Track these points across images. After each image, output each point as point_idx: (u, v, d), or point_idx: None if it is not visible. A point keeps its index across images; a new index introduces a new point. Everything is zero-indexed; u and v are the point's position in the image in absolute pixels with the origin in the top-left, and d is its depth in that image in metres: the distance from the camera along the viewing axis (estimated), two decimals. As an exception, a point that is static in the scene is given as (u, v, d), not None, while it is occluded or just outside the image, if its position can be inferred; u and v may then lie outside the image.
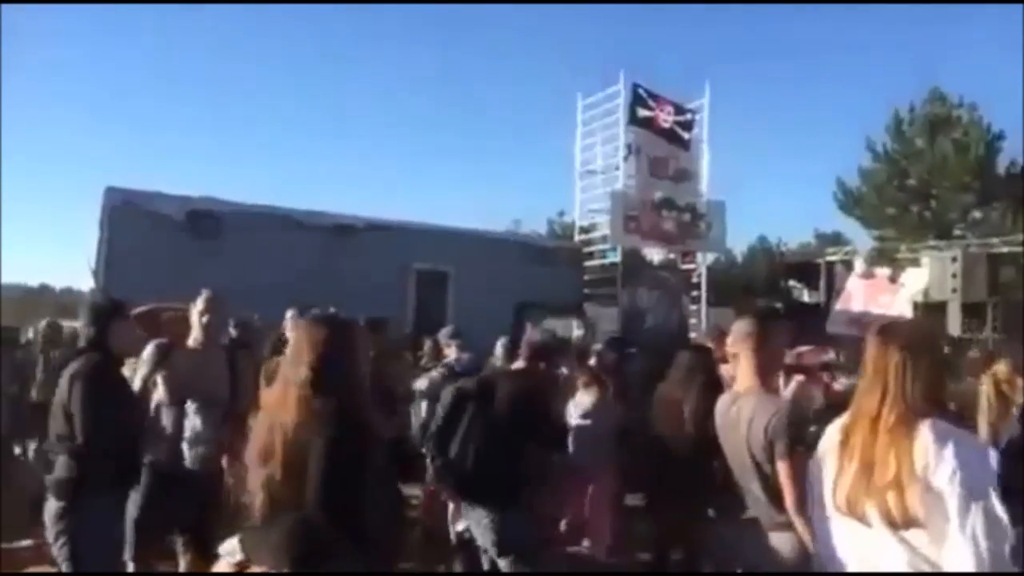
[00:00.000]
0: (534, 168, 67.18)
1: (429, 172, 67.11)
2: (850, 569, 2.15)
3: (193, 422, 4.19)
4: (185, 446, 4.19)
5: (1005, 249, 17.81)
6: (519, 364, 4.14)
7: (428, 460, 4.30)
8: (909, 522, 1.96)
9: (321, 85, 61.21)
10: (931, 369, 2.14)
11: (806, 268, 18.79)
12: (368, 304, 7.17)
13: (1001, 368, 4.46)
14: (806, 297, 17.80)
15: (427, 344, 7.30)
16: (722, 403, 2.93)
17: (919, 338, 2.23)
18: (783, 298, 16.87)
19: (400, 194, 58.06)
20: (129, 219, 10.74)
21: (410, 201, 60.80)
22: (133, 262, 9.82)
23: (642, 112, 15.14)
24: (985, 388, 4.40)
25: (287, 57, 58.82)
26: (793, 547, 2.66)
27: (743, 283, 26.55)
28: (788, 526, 2.66)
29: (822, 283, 17.45)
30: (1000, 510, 1.92)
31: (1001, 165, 29.98)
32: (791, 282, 18.23)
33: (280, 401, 2.36)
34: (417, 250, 13.01)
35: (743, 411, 2.76)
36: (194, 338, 4.29)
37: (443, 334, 5.71)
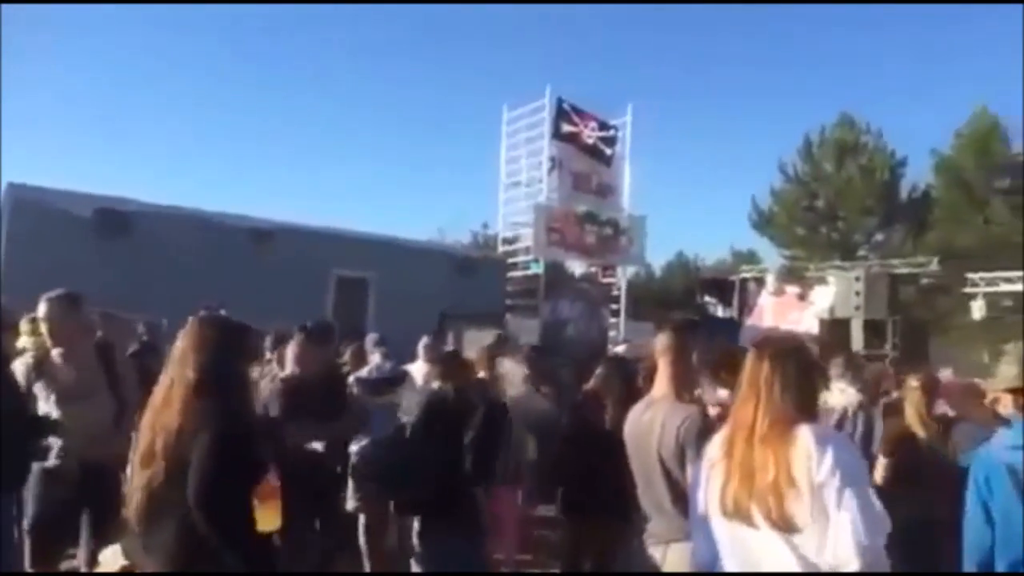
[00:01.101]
0: (461, 178, 67.26)
1: (353, 179, 66.27)
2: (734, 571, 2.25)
3: (73, 424, 4.00)
4: (63, 447, 4.00)
5: (905, 270, 18.81)
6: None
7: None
8: (789, 524, 2.06)
9: (244, 88, 59.72)
10: (800, 378, 2.25)
11: (721, 284, 19.40)
12: (285, 310, 7.02)
13: (913, 381, 4.67)
14: (720, 312, 18.35)
15: (348, 351, 7.16)
16: (635, 410, 2.97)
17: (787, 350, 2.33)
18: (699, 313, 17.32)
19: (323, 200, 57.14)
20: (31, 216, 10.23)
21: (333, 207, 59.74)
22: (35, 261, 9.33)
23: (566, 127, 15.36)
24: (911, 400, 4.54)
25: (207, 57, 57.22)
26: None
27: (661, 297, 27.18)
28: (690, 535, 2.65)
29: (736, 299, 18.02)
30: (877, 503, 2.03)
31: (903, 190, 31.73)
32: (707, 297, 18.78)
33: (165, 402, 2.31)
34: (337, 256, 12.82)
35: (656, 417, 2.80)
36: (50, 346, 4.10)
37: (369, 340, 5.61)
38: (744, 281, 18.58)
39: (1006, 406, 3.39)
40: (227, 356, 2.37)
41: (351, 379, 5.12)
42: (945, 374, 7.91)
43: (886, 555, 2.01)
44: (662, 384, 2.87)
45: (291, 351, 4.63)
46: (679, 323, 3.00)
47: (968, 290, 18.20)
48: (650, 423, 2.80)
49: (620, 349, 8.31)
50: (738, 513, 2.19)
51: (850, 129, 31.82)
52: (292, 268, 11.68)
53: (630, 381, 4.33)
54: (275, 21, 56.51)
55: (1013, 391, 3.32)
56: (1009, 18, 47.83)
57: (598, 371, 4.51)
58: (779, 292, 16.01)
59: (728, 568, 2.29)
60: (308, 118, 65.24)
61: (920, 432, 4.33)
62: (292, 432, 4.18)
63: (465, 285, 13.86)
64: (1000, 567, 2.25)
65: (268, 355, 5.47)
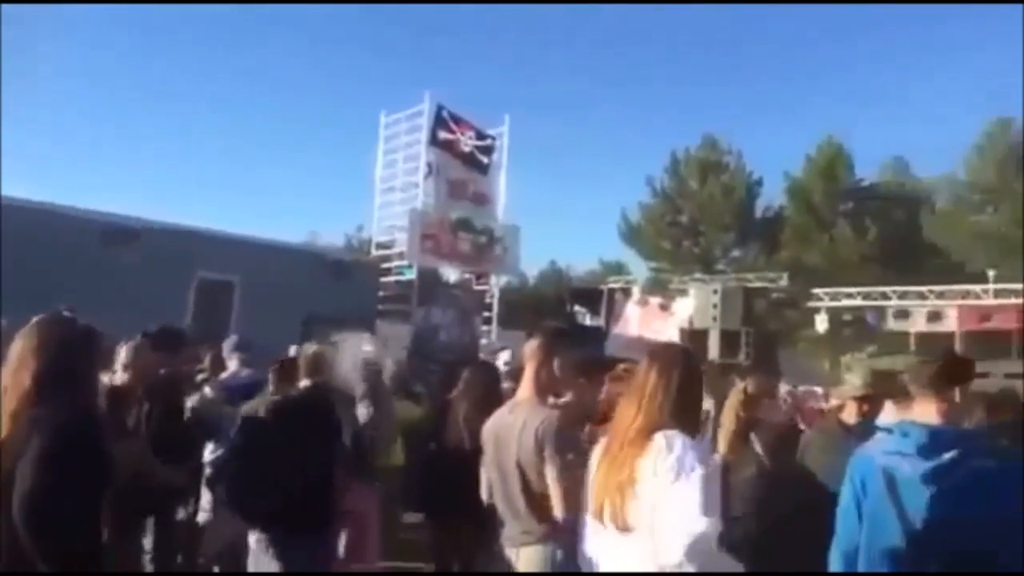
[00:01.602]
0: (335, 181, 65.86)
1: (224, 178, 63.50)
2: (594, 570, 2.34)
3: None
4: None
5: (758, 284, 20.03)
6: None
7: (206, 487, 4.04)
8: (625, 524, 2.17)
9: (110, 83, 55.80)
10: (681, 388, 2.35)
11: (590, 294, 19.96)
12: (143, 312, 6.65)
13: (750, 384, 4.93)
14: (589, 321, 18.90)
15: (208, 357, 6.87)
16: (499, 413, 3.04)
17: (673, 360, 2.44)
18: (568, 321, 17.76)
19: (190, 200, 54.36)
20: None
21: (201, 207, 56.89)
22: None
23: (444, 134, 15.40)
24: (732, 400, 4.72)
25: (72, 47, 53.19)
26: (546, 559, 2.74)
27: (533, 305, 27.63)
28: (545, 537, 2.75)
29: (603, 308, 18.60)
30: (704, 502, 2.08)
31: (759, 209, 33.84)
32: (576, 306, 19.29)
33: None
34: (201, 257, 12.25)
35: (517, 419, 2.87)
36: None
37: (226, 346, 5.34)
38: (612, 291, 19.22)
39: (850, 414, 3.70)
40: (69, 361, 2.19)
41: (206, 387, 4.91)
42: (784, 387, 8.43)
43: (717, 552, 2.10)
44: (525, 388, 2.95)
45: (122, 357, 4.29)
46: (546, 330, 3.09)
47: (813, 304, 19.61)
48: (512, 426, 2.86)
49: (504, 356, 8.35)
50: (598, 513, 2.29)
51: (713, 149, 33.62)
52: (151, 268, 11.06)
53: (493, 386, 4.41)
54: (149, 17, 53.38)
55: (857, 399, 3.62)
56: (856, 46, 52.15)
57: (463, 376, 4.56)
58: (644, 303, 16.71)
59: (595, 567, 2.38)
60: (177, 114, 62.14)
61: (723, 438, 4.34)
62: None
63: (336, 289, 13.59)
64: (862, 563, 2.37)
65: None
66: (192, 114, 62.01)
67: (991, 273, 20.51)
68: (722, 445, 3.49)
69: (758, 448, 3.72)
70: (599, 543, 2.33)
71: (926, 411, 2.41)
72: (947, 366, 2.47)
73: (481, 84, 55.48)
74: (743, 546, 2.67)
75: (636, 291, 17.91)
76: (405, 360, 8.17)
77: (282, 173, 65.04)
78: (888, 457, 2.36)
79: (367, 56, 62.09)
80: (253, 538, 3.73)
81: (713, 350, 15.42)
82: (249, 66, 60.78)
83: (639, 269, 33.42)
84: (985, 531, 2.17)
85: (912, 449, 2.31)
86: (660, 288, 19.99)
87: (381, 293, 15.58)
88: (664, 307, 16.72)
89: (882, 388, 3.40)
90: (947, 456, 2.25)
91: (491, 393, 4.29)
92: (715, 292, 16.33)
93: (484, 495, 3.08)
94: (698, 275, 23.85)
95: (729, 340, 15.27)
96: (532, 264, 39.71)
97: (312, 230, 35.67)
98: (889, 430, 2.48)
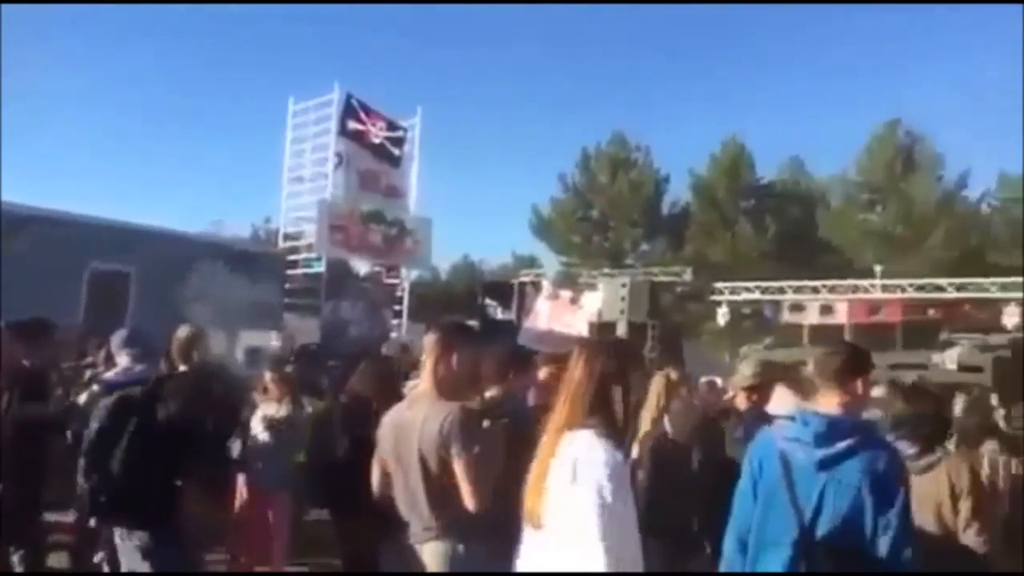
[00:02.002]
0: (242, 170, 63.80)
1: (123, 165, 60.52)
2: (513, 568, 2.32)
3: None
4: None
5: (664, 278, 20.60)
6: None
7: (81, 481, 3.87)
8: (536, 521, 2.17)
9: (11, 69, 52.25)
10: (602, 381, 2.22)
11: (501, 287, 20.06)
12: (33, 304, 6.30)
13: (672, 373, 5.07)
14: (500, 314, 19.00)
15: (102, 352, 6.57)
16: (397, 408, 3.01)
17: (597, 353, 2.33)
18: (479, 315, 17.83)
19: (86, 188, 51.62)
20: None
21: (99, 196, 53.90)
22: None
23: (353, 124, 15.18)
24: (656, 386, 4.78)
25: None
26: (447, 554, 2.73)
27: (444, 299, 27.59)
28: (446, 532, 2.74)
29: (514, 302, 18.74)
30: (625, 509, 2.02)
31: (666, 205, 34.78)
32: (487, 300, 19.35)
33: None
34: (96, 247, 11.68)
35: (417, 414, 2.85)
36: None
37: (115, 340, 5.11)
38: (523, 285, 19.38)
39: (742, 402, 3.89)
40: None
41: (97, 381, 4.72)
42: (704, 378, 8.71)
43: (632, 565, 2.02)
44: (425, 382, 2.94)
45: None
46: (446, 324, 3.10)
47: (715, 298, 20.32)
48: (412, 420, 2.85)
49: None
50: (526, 510, 2.25)
51: (622, 146, 34.32)
52: (41, 259, 10.48)
53: (391, 380, 4.39)
54: (53, 14, 50.24)
55: (747, 389, 3.80)
56: (758, 48, 54.18)
57: (359, 370, 4.52)
58: (554, 296, 16.93)
59: (514, 566, 2.34)
60: (71, 97, 58.81)
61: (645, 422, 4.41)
62: None
63: (241, 282, 13.19)
64: (752, 543, 2.45)
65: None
66: (87, 97, 58.90)
67: (878, 268, 21.75)
68: (643, 428, 3.56)
69: (668, 428, 3.86)
70: (525, 540, 2.30)
71: (829, 401, 2.51)
72: (850, 358, 2.58)
73: (393, 76, 54.85)
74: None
75: (546, 285, 18.12)
76: (311, 353, 8.04)
77: (186, 161, 62.62)
78: (786, 443, 2.46)
79: (276, 43, 60.41)
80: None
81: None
82: (151, 48, 58.23)
83: (551, 263, 33.83)
84: (872, 520, 2.27)
85: (809, 437, 2.40)
86: (570, 282, 20.27)
87: (288, 286, 15.24)
88: (574, 301, 16.98)
89: (769, 378, 3.57)
90: (841, 445, 2.35)
91: (387, 387, 4.26)
92: (623, 286, 16.69)
93: (376, 490, 3.02)
94: (607, 269, 24.30)
95: (636, 333, 15.64)
96: (445, 258, 39.65)
97: (216, 220, 34.46)
98: (792, 418, 2.57)
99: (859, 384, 2.54)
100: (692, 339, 23.10)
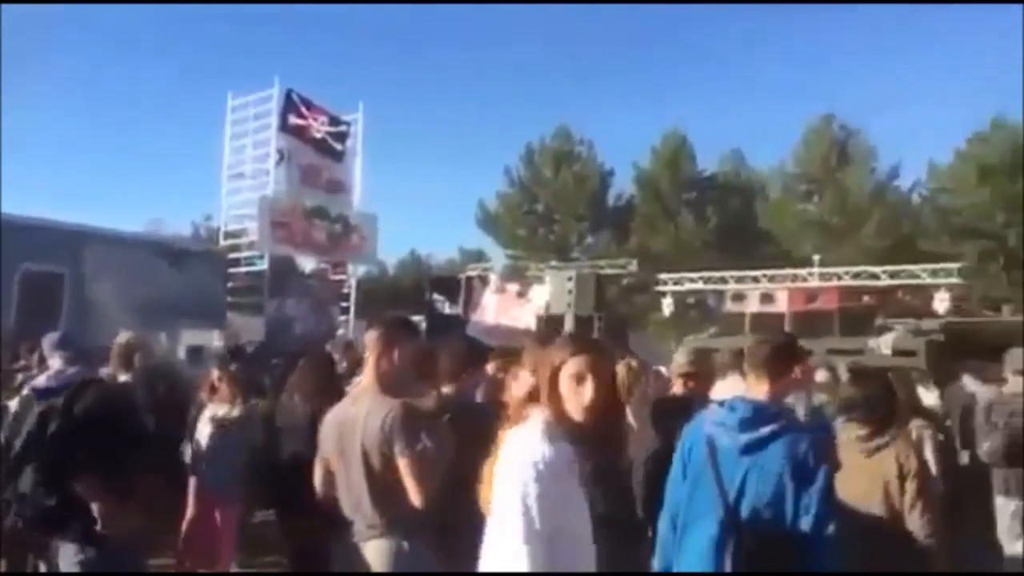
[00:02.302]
0: (181, 167, 62.20)
1: (56, 162, 58.33)
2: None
3: None
4: None
5: (610, 271, 20.82)
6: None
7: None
8: (492, 511, 2.17)
9: None
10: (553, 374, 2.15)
11: (448, 282, 20.03)
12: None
13: (632, 361, 5.15)
14: (447, 309, 18.96)
15: (35, 356, 6.35)
16: (341, 405, 2.98)
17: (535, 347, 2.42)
18: (427, 310, 17.77)
19: (17, 187, 49.62)
20: None
21: (30, 195, 51.87)
22: None
23: (295, 119, 14.94)
24: (618, 376, 4.84)
25: None
26: (391, 551, 2.71)
27: (392, 295, 27.40)
28: (390, 529, 2.72)
29: (462, 297, 18.73)
30: (555, 509, 1.90)
31: (611, 198, 35.11)
32: (435, 295, 19.29)
33: None
34: (27, 248, 11.26)
35: (360, 410, 2.82)
36: None
37: (47, 342, 4.96)
38: (470, 279, 19.38)
39: (678, 389, 3.97)
40: None
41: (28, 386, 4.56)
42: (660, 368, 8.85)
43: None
44: (368, 378, 2.92)
45: None
46: (387, 320, 3.06)
47: (660, 289, 20.63)
48: (355, 417, 2.82)
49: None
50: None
51: (566, 140, 34.53)
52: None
53: (330, 377, 4.34)
54: None
55: (683, 376, 3.89)
56: (698, 42, 55.06)
57: (298, 367, 4.47)
58: (501, 290, 16.98)
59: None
60: (4, 97, 56.43)
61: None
62: None
63: (182, 281, 12.89)
64: (680, 525, 2.51)
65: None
66: (17, 94, 56.60)
67: (816, 258, 22.37)
68: None
69: (631, 419, 3.93)
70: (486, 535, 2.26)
71: (758, 388, 2.58)
72: (779, 347, 2.65)
73: (335, 72, 54.12)
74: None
75: (493, 279, 18.17)
76: (249, 353, 7.92)
77: (121, 157, 60.79)
78: (714, 427, 2.52)
79: (215, 37, 58.98)
80: None
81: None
82: (87, 41, 56.25)
83: (498, 257, 33.88)
84: (794, 502, 2.33)
85: (735, 422, 2.46)
86: (517, 276, 20.36)
87: (231, 284, 14.94)
88: (521, 294, 17.06)
89: (704, 366, 3.67)
90: (765, 431, 2.42)
91: (327, 384, 4.21)
92: (569, 279, 16.80)
93: (319, 489, 2.99)
94: (554, 262, 24.47)
95: (583, 325, 15.78)
96: (392, 253, 39.37)
97: (155, 219, 33.54)
98: (722, 403, 2.63)
99: (788, 371, 2.61)
100: (638, 330, 23.41)
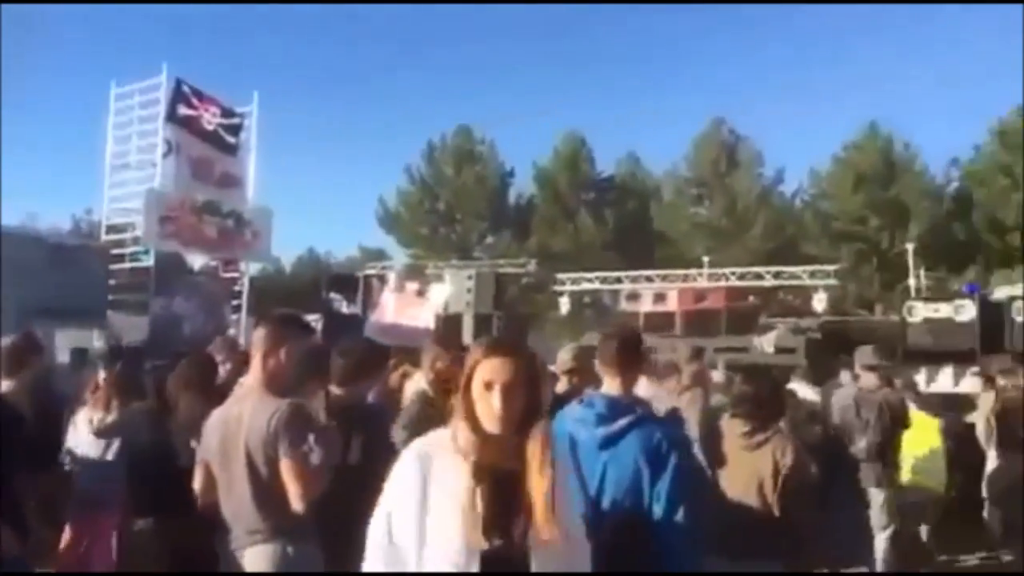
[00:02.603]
0: (60, 157, 58.58)
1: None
2: None
3: None
4: None
5: (509, 270, 21.04)
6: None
7: None
8: None
9: None
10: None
11: (346, 281, 19.71)
12: None
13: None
14: (345, 308, 18.65)
15: None
16: (224, 406, 2.89)
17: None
18: (324, 309, 17.42)
19: None
20: None
21: None
22: None
23: (184, 110, 14.33)
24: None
25: None
26: (275, 557, 2.65)
27: (288, 293, 26.73)
28: (274, 535, 2.66)
29: (360, 296, 18.48)
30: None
31: (511, 197, 35.43)
32: (332, 294, 18.94)
33: None
34: None
35: (244, 411, 2.75)
36: None
37: None
38: (368, 278, 19.16)
39: (562, 386, 4.07)
40: None
41: None
42: None
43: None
44: (253, 378, 2.84)
45: None
46: (275, 317, 3.00)
47: (557, 288, 20.99)
48: (238, 417, 2.75)
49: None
50: None
51: (467, 139, 34.63)
52: None
53: (211, 378, 4.22)
54: None
55: (566, 373, 4.00)
56: (594, 46, 56.15)
57: (177, 369, 4.33)
58: (400, 289, 16.81)
59: None
60: None
61: None
62: None
63: (60, 277, 12.18)
64: None
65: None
66: None
67: (706, 259, 23.29)
68: None
69: None
70: None
71: (611, 384, 2.66)
72: (623, 343, 2.72)
73: (230, 63, 52.28)
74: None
75: (392, 277, 18.00)
76: (136, 352, 7.58)
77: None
78: (573, 423, 2.57)
79: (99, 24, 55.85)
80: None
81: (467, 334, 15.97)
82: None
83: (399, 256, 33.61)
84: (649, 490, 2.41)
85: (592, 417, 2.53)
86: (417, 274, 20.25)
87: (113, 281, 14.20)
88: (420, 293, 16.94)
89: (587, 363, 3.79)
90: (620, 424, 2.49)
91: (208, 385, 4.10)
92: (469, 278, 16.88)
93: (200, 494, 2.90)
94: (455, 261, 24.49)
95: (482, 324, 15.88)
96: (290, 250, 38.41)
97: (31, 212, 31.51)
98: (582, 400, 2.69)
99: (636, 365, 2.71)
100: (537, 330, 23.75)
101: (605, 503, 2.46)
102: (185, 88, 14.43)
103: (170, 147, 14.16)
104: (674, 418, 3.51)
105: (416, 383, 5.02)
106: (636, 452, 2.45)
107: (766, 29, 53.12)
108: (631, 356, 2.69)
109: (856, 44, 52.70)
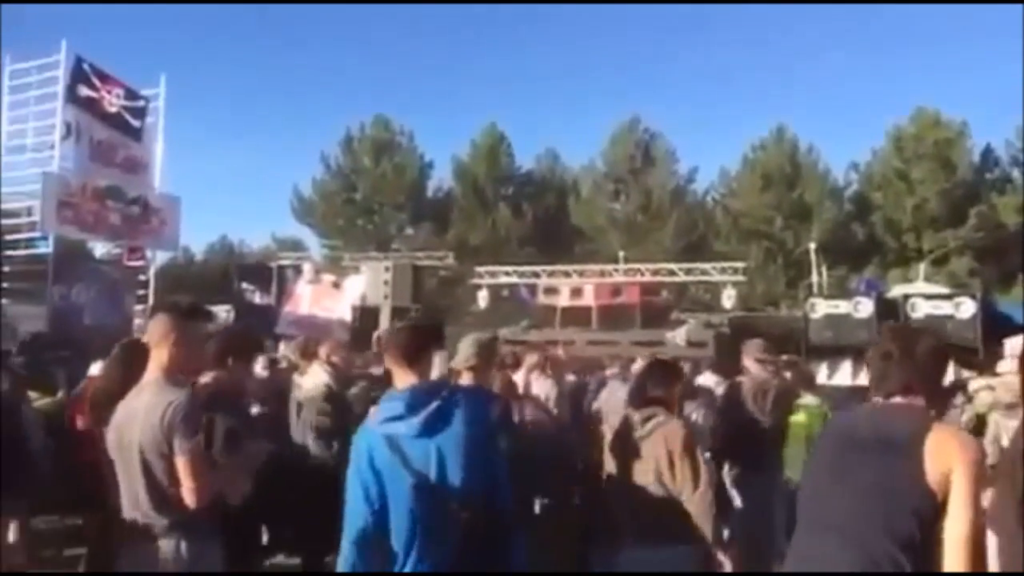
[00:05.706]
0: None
1: None
2: None
3: None
4: None
5: (428, 262, 20.96)
6: None
7: None
8: None
9: None
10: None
11: (260, 271, 19.28)
12: None
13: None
14: (258, 299, 18.23)
15: None
16: (127, 398, 2.80)
17: None
18: (236, 299, 16.98)
19: None
20: None
21: None
22: None
23: (85, 90, 13.64)
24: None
25: None
26: (168, 554, 2.61)
27: (197, 283, 25.87)
28: (168, 531, 2.61)
29: (274, 286, 18.09)
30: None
31: (430, 189, 35.22)
32: (245, 284, 18.48)
33: None
34: None
35: (141, 403, 2.69)
36: None
37: None
38: (282, 268, 18.77)
39: (467, 381, 4.02)
40: None
41: None
42: None
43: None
44: (153, 369, 2.78)
45: None
46: (171, 306, 2.94)
47: (475, 282, 21.02)
48: (136, 410, 2.69)
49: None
50: None
51: (385, 129, 34.19)
52: None
53: (137, 371, 4.09)
54: None
55: (468, 369, 3.91)
56: (515, 39, 56.38)
57: (109, 357, 4.17)
58: (316, 280, 16.54)
59: None
60: None
61: None
62: None
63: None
64: (394, 528, 2.39)
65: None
66: None
67: (621, 254, 23.76)
68: None
69: None
70: None
71: (404, 379, 2.60)
72: (414, 336, 2.68)
73: (135, 43, 50.01)
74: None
75: (308, 268, 17.65)
76: (36, 344, 7.22)
77: None
78: (386, 424, 2.50)
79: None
80: None
81: (384, 327, 15.84)
82: None
83: (316, 247, 32.96)
84: (473, 465, 2.44)
85: (403, 410, 2.47)
86: (333, 265, 19.95)
87: (7, 269, 13.42)
88: (336, 285, 16.70)
89: (489, 358, 3.81)
90: (432, 406, 2.46)
91: (135, 375, 3.97)
92: (387, 270, 16.78)
93: (105, 489, 2.82)
94: (373, 253, 24.19)
95: (399, 317, 15.76)
96: (202, 239, 37.12)
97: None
98: (384, 401, 2.61)
99: (427, 354, 2.65)
100: (455, 323, 23.74)
101: (441, 489, 2.41)
102: (86, 67, 13.74)
103: (69, 129, 13.46)
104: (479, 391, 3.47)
105: (315, 375, 4.98)
106: (454, 433, 2.45)
107: (682, 28, 54.50)
108: (421, 349, 2.62)
109: (767, 43, 54.55)
